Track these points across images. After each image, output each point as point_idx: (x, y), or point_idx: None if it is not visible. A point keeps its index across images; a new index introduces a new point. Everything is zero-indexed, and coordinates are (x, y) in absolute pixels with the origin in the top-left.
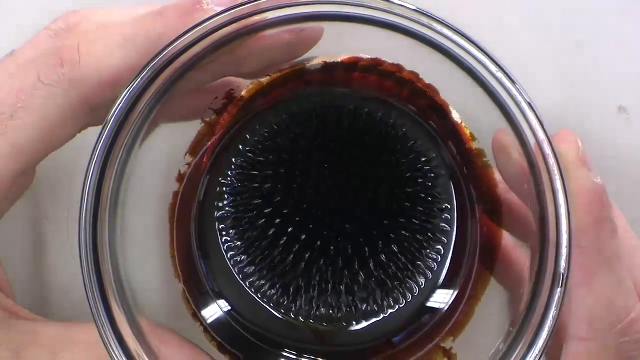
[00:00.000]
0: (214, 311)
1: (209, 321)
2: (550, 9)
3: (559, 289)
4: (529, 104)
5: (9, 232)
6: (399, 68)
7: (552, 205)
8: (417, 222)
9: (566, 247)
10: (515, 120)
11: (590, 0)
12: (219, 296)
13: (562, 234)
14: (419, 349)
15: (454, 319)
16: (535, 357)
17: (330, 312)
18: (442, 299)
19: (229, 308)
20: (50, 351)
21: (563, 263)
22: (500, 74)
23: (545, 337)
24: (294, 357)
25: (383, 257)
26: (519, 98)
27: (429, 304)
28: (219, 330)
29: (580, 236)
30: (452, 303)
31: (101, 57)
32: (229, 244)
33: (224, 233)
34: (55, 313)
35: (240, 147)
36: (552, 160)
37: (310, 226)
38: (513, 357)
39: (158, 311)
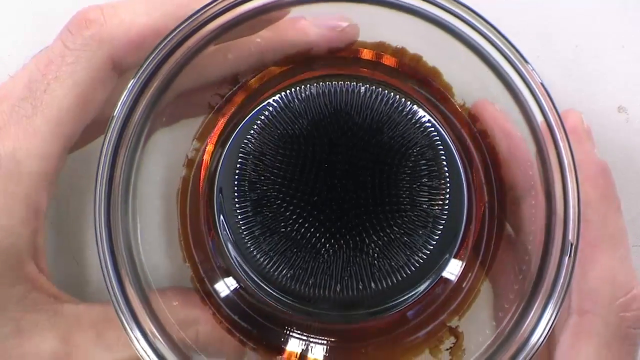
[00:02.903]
0: (224, 289)
1: (221, 295)
2: (550, 9)
3: (567, 258)
4: (534, 77)
5: None
6: (402, 52)
7: (558, 176)
8: (424, 199)
9: (574, 215)
10: (521, 96)
11: (590, 0)
12: (228, 274)
13: (569, 203)
14: (429, 324)
15: (463, 293)
16: (544, 329)
17: (344, 291)
18: (453, 269)
19: (237, 286)
20: (96, 332)
21: (571, 232)
22: (504, 47)
23: (555, 308)
24: (304, 337)
25: (395, 232)
26: (525, 73)
27: (443, 274)
28: (229, 309)
29: (587, 210)
30: (460, 277)
31: (126, 18)
32: (237, 223)
33: (233, 213)
34: None
35: (248, 130)
36: (559, 135)
37: (318, 205)
38: (522, 329)
39: None
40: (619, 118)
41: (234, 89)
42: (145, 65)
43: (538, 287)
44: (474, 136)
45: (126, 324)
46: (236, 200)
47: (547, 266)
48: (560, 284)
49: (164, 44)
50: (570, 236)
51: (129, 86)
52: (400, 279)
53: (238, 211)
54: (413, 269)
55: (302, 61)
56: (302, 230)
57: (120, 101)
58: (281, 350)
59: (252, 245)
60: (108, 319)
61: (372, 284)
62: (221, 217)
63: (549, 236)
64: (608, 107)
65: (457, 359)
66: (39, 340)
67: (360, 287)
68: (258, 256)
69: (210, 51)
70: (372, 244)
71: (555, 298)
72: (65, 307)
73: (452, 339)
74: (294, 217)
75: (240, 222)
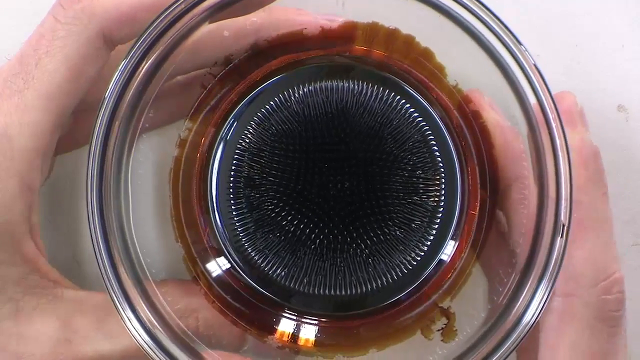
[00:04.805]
0: (215, 269)
1: (213, 275)
2: (550, 9)
3: (559, 239)
4: (527, 58)
5: None
6: (396, 32)
7: (551, 157)
8: (420, 195)
9: (566, 196)
10: (513, 76)
11: (590, 0)
12: (220, 254)
13: (561, 184)
14: (421, 304)
15: (455, 273)
16: (536, 309)
17: (337, 290)
18: (447, 250)
19: (229, 266)
20: (96, 318)
21: (563, 213)
22: (499, 30)
23: (546, 288)
24: (296, 318)
25: (391, 229)
26: (519, 54)
27: (435, 257)
28: (221, 289)
29: (577, 192)
30: (452, 258)
31: None
32: (232, 205)
33: (226, 195)
34: None
35: (243, 112)
36: (552, 116)
37: (313, 204)
38: (515, 309)
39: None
40: (618, 117)
41: (227, 68)
42: (138, 44)
43: (530, 268)
44: (467, 118)
45: (119, 305)
46: (231, 197)
47: (539, 247)
48: (552, 264)
49: (157, 22)
50: (563, 217)
51: (121, 66)
52: (395, 278)
53: (233, 207)
54: (410, 267)
55: (295, 43)
56: (295, 228)
57: (112, 81)
58: (273, 330)
59: (246, 243)
60: (109, 306)
61: (367, 283)
62: (217, 215)
63: (540, 217)
64: (608, 107)
65: (449, 340)
66: (39, 323)
67: (355, 286)
68: (253, 254)
69: (205, 31)
70: (368, 243)
71: (547, 278)
72: (66, 292)
73: (444, 320)
74: (288, 215)
75: (235, 219)
